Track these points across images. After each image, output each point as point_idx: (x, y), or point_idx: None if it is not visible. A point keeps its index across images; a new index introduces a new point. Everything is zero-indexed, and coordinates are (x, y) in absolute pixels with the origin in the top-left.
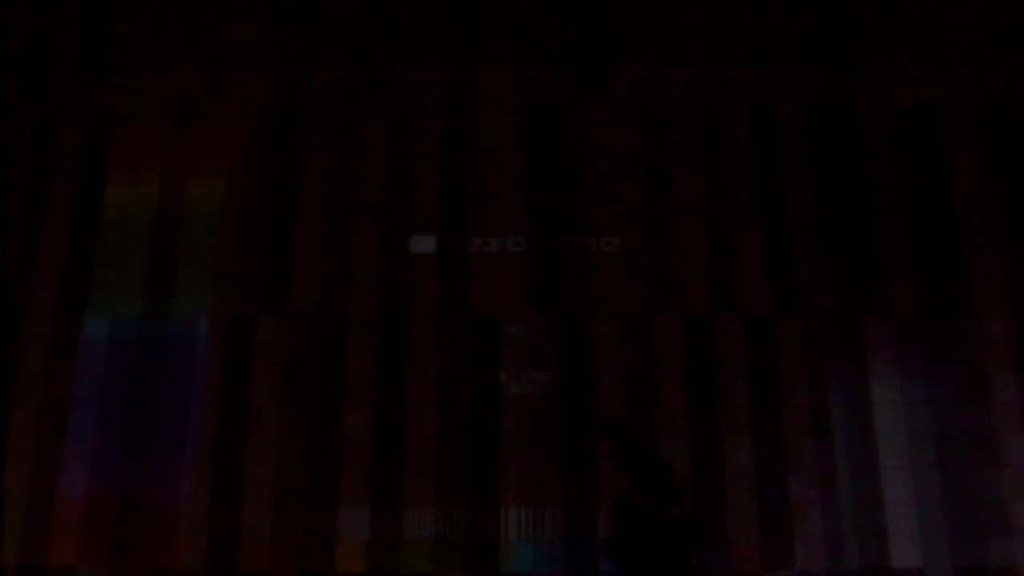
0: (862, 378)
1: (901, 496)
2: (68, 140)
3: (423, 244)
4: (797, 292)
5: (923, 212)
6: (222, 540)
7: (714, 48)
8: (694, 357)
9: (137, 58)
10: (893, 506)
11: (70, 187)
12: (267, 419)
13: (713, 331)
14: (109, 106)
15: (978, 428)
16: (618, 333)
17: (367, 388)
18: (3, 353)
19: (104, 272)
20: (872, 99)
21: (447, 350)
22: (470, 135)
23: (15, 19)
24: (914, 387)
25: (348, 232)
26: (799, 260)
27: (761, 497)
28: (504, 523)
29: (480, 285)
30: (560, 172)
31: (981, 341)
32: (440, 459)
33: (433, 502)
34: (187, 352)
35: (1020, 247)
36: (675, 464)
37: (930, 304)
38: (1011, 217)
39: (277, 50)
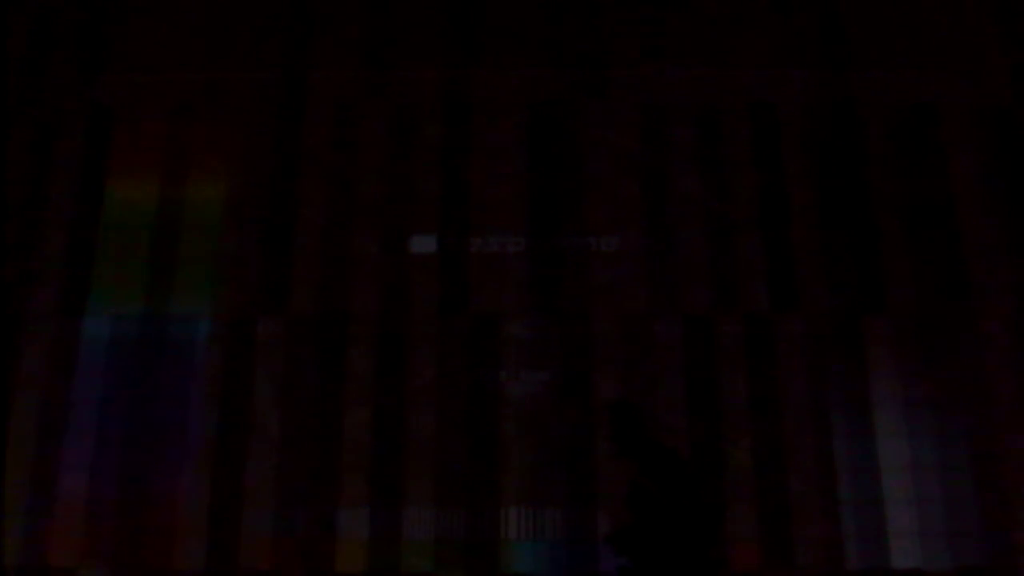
0: (862, 378)
1: (901, 496)
2: (68, 140)
3: (423, 244)
4: (797, 292)
5: (923, 212)
6: (222, 540)
7: (714, 48)
8: (694, 357)
9: (137, 58)
10: (893, 506)
11: (70, 187)
12: (267, 419)
13: (713, 331)
14: (109, 106)
15: (978, 428)
16: (618, 333)
17: (367, 388)
18: (3, 353)
19: (104, 272)
20: (872, 99)
21: (447, 350)
22: (470, 135)
23: (15, 18)
24: (914, 387)
25: (348, 232)
26: (799, 260)
27: (761, 497)
28: (504, 523)
29: (480, 285)
30: (560, 172)
31: (981, 341)
32: (440, 459)
33: (433, 502)
34: (187, 352)
35: (1020, 247)
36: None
37: (930, 304)
38: (1011, 217)
39: (277, 50)
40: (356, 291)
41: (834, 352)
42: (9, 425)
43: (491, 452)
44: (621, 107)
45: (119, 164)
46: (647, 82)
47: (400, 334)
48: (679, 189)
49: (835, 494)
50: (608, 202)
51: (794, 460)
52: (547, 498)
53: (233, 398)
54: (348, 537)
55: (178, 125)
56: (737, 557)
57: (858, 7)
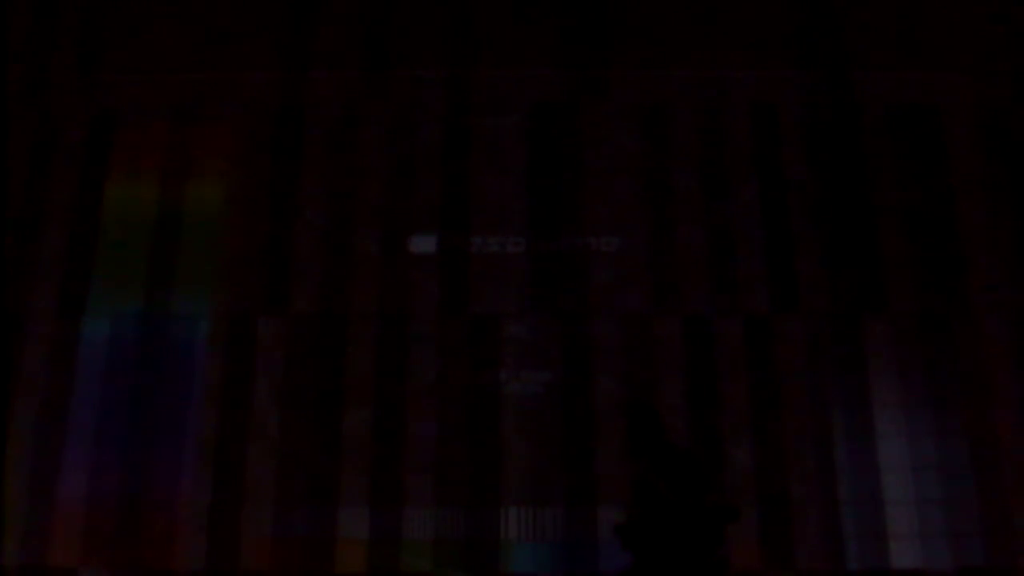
0: (862, 378)
1: (901, 496)
2: (68, 140)
3: (423, 244)
4: (797, 292)
5: (923, 212)
6: (222, 540)
7: (714, 48)
8: (694, 357)
9: (137, 58)
10: (893, 506)
11: (70, 187)
12: (267, 419)
13: (713, 331)
14: (110, 106)
15: (978, 428)
16: (618, 333)
17: (367, 388)
18: (3, 353)
19: (104, 272)
20: (872, 99)
21: (447, 350)
22: (470, 135)
23: (15, 18)
24: (914, 387)
25: (348, 232)
26: (799, 260)
27: (761, 497)
28: (504, 523)
29: (480, 285)
30: (560, 172)
31: (981, 341)
32: (440, 459)
33: (433, 502)
34: (187, 352)
35: (1020, 247)
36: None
37: (930, 304)
38: (1011, 217)
39: (277, 50)
40: (356, 291)
41: (834, 352)
42: (9, 425)
43: (491, 452)
44: (621, 107)
45: (119, 164)
46: (647, 82)
47: (400, 334)
48: (679, 189)
49: (835, 494)
50: (608, 202)
51: (794, 460)
52: (547, 498)
53: (233, 398)
54: (348, 537)
55: (178, 125)
56: (737, 557)
57: (858, 7)
